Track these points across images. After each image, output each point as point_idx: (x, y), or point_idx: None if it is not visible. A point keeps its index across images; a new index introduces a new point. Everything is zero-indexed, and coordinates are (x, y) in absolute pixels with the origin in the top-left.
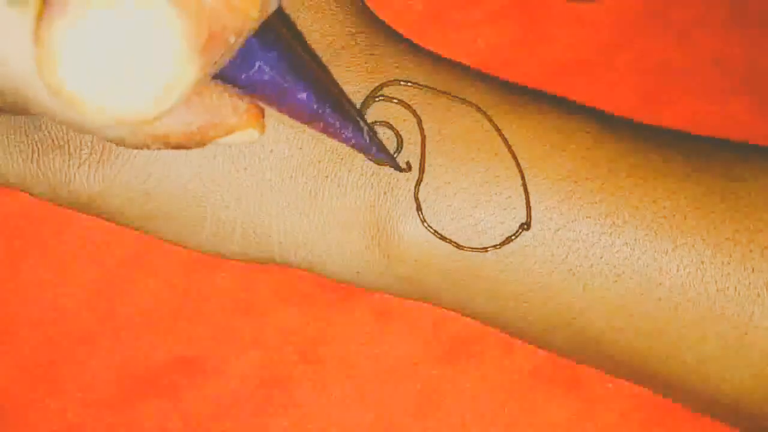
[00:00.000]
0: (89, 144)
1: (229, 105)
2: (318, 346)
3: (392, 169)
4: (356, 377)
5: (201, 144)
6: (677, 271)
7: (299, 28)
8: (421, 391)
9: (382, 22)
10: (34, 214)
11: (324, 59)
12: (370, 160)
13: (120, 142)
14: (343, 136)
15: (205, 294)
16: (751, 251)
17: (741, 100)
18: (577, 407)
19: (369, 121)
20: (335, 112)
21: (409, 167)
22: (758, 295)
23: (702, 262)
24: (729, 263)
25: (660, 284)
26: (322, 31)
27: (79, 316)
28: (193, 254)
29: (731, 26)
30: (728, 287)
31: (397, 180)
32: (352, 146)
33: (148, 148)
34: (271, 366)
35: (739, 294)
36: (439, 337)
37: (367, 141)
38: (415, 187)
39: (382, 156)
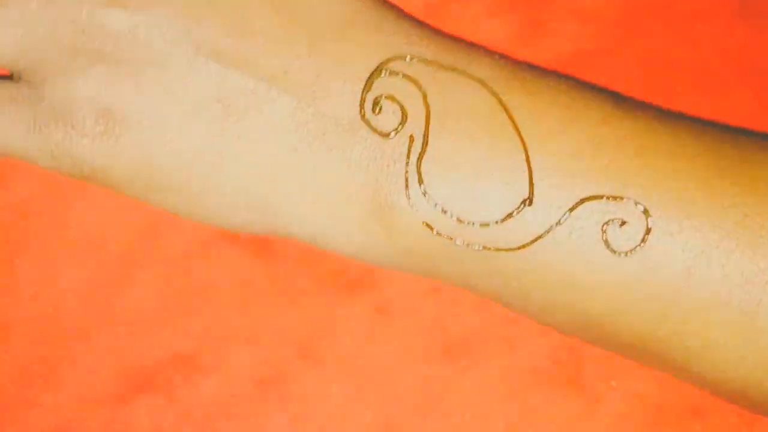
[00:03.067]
0: (93, 117)
1: None
2: (316, 343)
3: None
4: (355, 375)
5: None
6: (682, 253)
7: (306, 4)
8: (421, 389)
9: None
10: (30, 210)
11: (330, 35)
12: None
13: None
14: None
15: (201, 290)
16: (760, 237)
17: (745, 93)
18: (578, 406)
19: (374, 95)
20: None
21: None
22: (766, 282)
23: (708, 246)
24: (736, 248)
25: (664, 267)
26: (329, 6)
27: (75, 313)
28: (190, 250)
29: (736, 19)
30: (735, 273)
31: (401, 153)
32: None
33: None
34: (268, 363)
35: (746, 280)
36: (439, 335)
37: None
38: (417, 161)
39: None
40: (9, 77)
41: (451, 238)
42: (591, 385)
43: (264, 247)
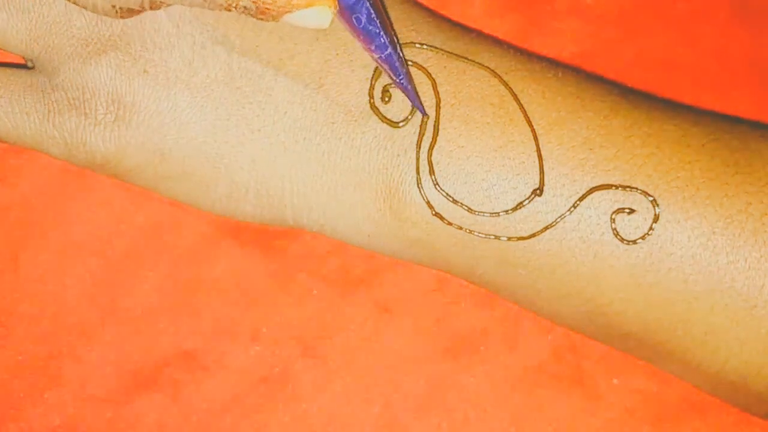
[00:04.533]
0: (104, 105)
1: None
2: (320, 341)
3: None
4: (358, 372)
5: (281, 12)
6: (688, 241)
7: None
8: (424, 386)
9: None
10: (34, 207)
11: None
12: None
13: None
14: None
15: (205, 288)
16: (763, 224)
17: (743, 93)
18: (581, 403)
19: (383, 83)
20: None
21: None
22: None
23: (713, 234)
24: (740, 235)
25: (671, 254)
26: None
27: (79, 310)
28: (194, 248)
29: (733, 20)
30: (739, 259)
31: (411, 142)
32: (373, 57)
33: (233, 7)
34: (271, 360)
35: (749, 266)
36: (442, 333)
37: (386, 58)
38: (428, 150)
39: (400, 82)
40: (25, 66)
41: (461, 228)
42: (592, 382)
43: (268, 245)
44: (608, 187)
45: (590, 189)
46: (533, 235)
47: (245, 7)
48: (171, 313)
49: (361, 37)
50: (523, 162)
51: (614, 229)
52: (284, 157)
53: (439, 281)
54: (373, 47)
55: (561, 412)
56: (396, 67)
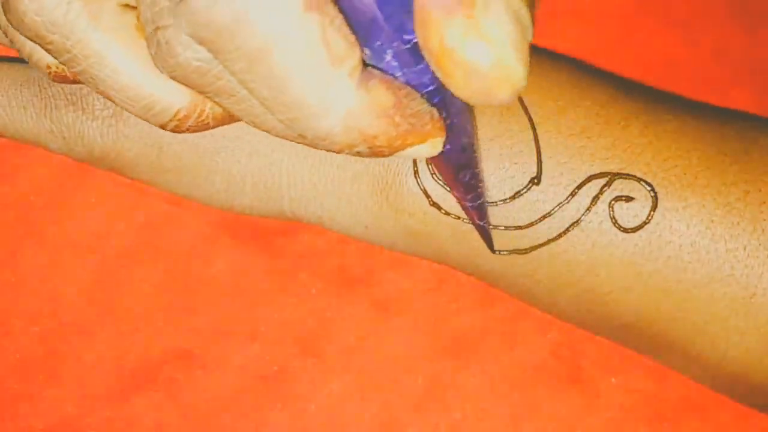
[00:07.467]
0: (102, 100)
1: (428, 113)
2: (318, 339)
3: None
4: (357, 371)
5: (393, 152)
6: (687, 229)
7: None
8: (423, 385)
9: None
10: (32, 205)
11: None
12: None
13: (329, 140)
14: (465, 193)
15: (203, 286)
16: (761, 212)
17: (741, 91)
18: (579, 402)
19: None
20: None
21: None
22: (767, 256)
23: (712, 222)
24: (739, 223)
25: (669, 242)
26: None
27: (77, 308)
28: (192, 246)
29: (732, 19)
30: (737, 247)
31: None
32: (464, 204)
33: (350, 149)
34: (270, 359)
35: (748, 254)
36: (441, 331)
37: (478, 206)
38: None
39: (483, 225)
40: (22, 60)
41: (459, 218)
42: (591, 381)
43: (266, 243)
44: (606, 175)
45: (588, 177)
46: (531, 224)
47: (359, 152)
48: (169, 311)
49: (460, 189)
50: (521, 151)
51: (612, 218)
52: (281, 150)
53: (438, 280)
54: (468, 197)
55: (559, 411)
56: (485, 211)
